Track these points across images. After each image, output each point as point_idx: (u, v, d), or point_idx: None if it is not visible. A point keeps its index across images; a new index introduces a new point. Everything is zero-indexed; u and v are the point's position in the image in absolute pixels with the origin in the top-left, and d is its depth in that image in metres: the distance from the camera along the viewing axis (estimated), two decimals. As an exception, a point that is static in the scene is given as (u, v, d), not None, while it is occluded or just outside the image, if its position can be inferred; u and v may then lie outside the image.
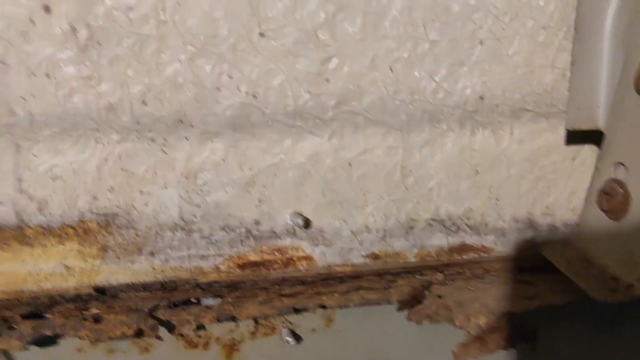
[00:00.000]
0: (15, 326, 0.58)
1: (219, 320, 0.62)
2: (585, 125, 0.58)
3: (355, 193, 0.60)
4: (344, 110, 0.56)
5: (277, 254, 0.61)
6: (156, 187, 0.56)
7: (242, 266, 0.61)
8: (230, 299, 0.62)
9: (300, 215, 0.59)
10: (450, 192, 0.62)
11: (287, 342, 0.65)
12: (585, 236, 0.61)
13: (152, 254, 0.58)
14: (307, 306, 0.63)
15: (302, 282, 0.63)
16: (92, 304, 0.60)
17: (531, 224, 0.66)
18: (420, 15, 0.54)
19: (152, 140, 0.54)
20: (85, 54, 0.49)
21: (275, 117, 0.55)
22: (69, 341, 0.62)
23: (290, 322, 0.66)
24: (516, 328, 0.62)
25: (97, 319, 0.60)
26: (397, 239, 0.64)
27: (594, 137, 0.61)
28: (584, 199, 0.63)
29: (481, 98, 0.59)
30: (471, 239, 0.65)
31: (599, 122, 0.57)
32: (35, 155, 0.53)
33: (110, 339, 0.59)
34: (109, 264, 0.58)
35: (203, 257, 0.60)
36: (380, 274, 0.64)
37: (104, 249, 0.57)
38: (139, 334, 0.60)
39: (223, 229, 0.59)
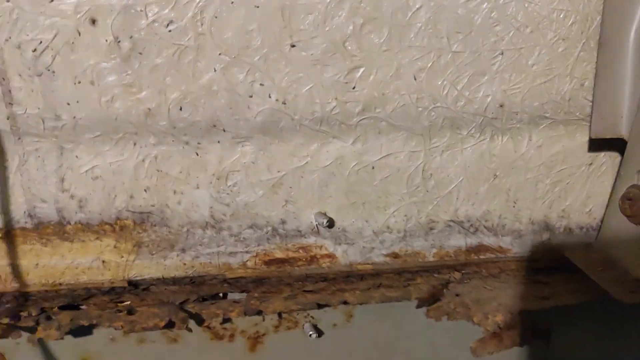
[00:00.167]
0: (53, 316, 0.63)
1: (245, 314, 0.67)
2: (609, 134, 0.63)
3: (378, 195, 0.65)
4: (368, 117, 0.61)
5: (301, 251, 0.66)
6: (189, 187, 0.61)
7: (268, 263, 0.66)
8: (256, 294, 0.67)
9: (325, 215, 0.64)
10: (470, 194, 0.67)
11: (309, 335, 0.70)
12: (608, 240, 0.66)
13: (183, 250, 0.63)
14: (330, 302, 0.68)
15: (325, 279, 0.67)
16: (126, 297, 0.65)
17: (547, 227, 0.70)
18: (444, 27, 0.58)
19: (187, 143, 0.59)
20: (128, 63, 0.54)
21: (303, 122, 0.60)
22: (103, 331, 0.67)
23: (312, 317, 0.71)
24: (531, 326, 0.67)
25: (130, 311, 0.65)
26: (416, 239, 0.68)
27: (614, 145, 0.65)
28: (600, 202, 0.68)
29: (501, 106, 0.63)
30: (488, 240, 0.70)
31: (622, 130, 0.61)
32: (77, 157, 0.58)
33: (144, 329, 0.64)
34: (142, 259, 0.63)
35: (231, 254, 0.65)
36: (399, 273, 0.69)
37: (139, 245, 0.62)
38: (170, 325, 0.65)
39: (251, 227, 0.64)
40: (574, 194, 0.69)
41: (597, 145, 0.66)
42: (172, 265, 0.64)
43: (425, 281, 0.70)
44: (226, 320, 0.70)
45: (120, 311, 0.65)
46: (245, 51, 0.56)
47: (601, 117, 0.61)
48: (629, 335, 0.75)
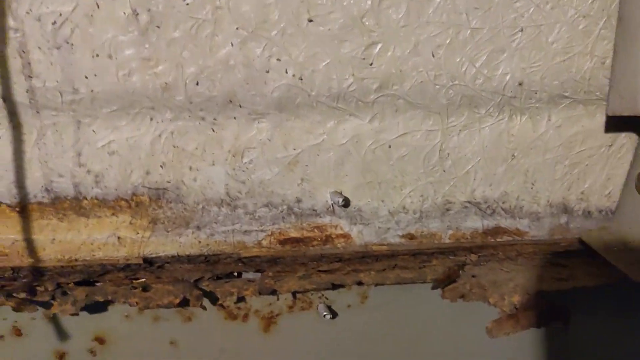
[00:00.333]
0: (68, 292, 0.65)
1: (260, 293, 0.68)
2: (626, 112, 0.63)
3: (394, 174, 0.66)
4: (385, 94, 0.62)
5: (316, 231, 0.67)
6: (205, 163, 0.62)
7: (282, 242, 0.67)
8: (270, 273, 0.68)
9: (340, 194, 0.65)
10: (487, 175, 0.67)
11: (324, 316, 0.71)
12: (624, 220, 0.67)
13: (198, 228, 0.65)
14: (345, 282, 0.69)
15: (340, 259, 0.68)
16: (141, 274, 0.66)
17: (566, 209, 0.71)
18: (463, 3, 0.59)
19: (203, 119, 0.60)
20: (145, 36, 0.56)
21: (320, 99, 0.61)
22: (117, 308, 0.69)
23: (326, 298, 0.72)
24: (549, 308, 0.68)
25: (145, 288, 0.66)
26: (432, 220, 0.69)
27: (633, 123, 0.66)
28: (619, 185, 0.68)
29: (520, 84, 0.63)
30: (506, 222, 0.70)
31: (640, 108, 0.62)
32: (94, 131, 0.59)
33: (158, 306, 0.66)
34: (157, 236, 0.64)
35: (246, 232, 0.66)
36: (415, 254, 0.70)
37: (154, 221, 0.64)
38: (185, 303, 0.66)
39: (266, 205, 0.65)
40: (594, 176, 0.69)
41: (616, 125, 0.66)
42: (187, 242, 0.65)
43: (441, 263, 0.71)
44: (240, 299, 0.71)
45: (135, 288, 0.66)
46: (263, 25, 0.57)
47: (619, 95, 0.62)
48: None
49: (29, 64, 0.55)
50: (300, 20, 0.57)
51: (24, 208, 0.61)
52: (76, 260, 0.64)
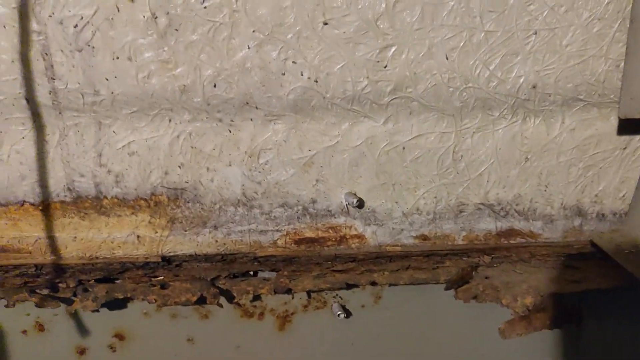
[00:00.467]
0: (89, 289, 0.65)
1: (275, 292, 0.67)
2: (638, 114, 0.62)
3: (408, 176, 0.65)
4: (399, 96, 0.61)
5: (331, 231, 0.67)
6: (222, 164, 0.62)
7: (298, 242, 0.66)
8: (286, 273, 0.68)
9: (355, 195, 0.64)
10: (500, 177, 0.66)
11: (338, 315, 0.70)
12: (635, 223, 0.65)
13: (215, 227, 0.64)
14: (359, 282, 0.68)
15: (354, 259, 0.68)
16: (159, 272, 0.66)
17: (579, 212, 0.69)
18: (477, 6, 0.58)
19: (220, 120, 0.60)
20: (164, 39, 0.56)
21: (335, 101, 0.60)
22: (136, 306, 0.69)
23: (340, 297, 0.72)
24: (561, 309, 0.66)
25: (164, 286, 0.66)
26: (446, 221, 0.68)
27: (645, 127, 0.65)
28: (633, 187, 0.67)
29: (534, 87, 0.62)
30: (519, 224, 0.69)
31: (653, 111, 0.61)
32: (114, 132, 0.59)
33: (176, 304, 0.66)
34: (176, 235, 0.64)
35: (262, 232, 0.66)
36: (428, 255, 0.69)
37: (172, 221, 0.64)
38: (202, 301, 0.66)
39: (282, 206, 0.64)
40: (607, 179, 0.68)
41: (630, 127, 0.65)
42: (204, 242, 0.65)
43: (454, 264, 0.70)
44: (256, 297, 0.71)
45: (153, 285, 0.67)
46: (279, 29, 0.57)
47: (630, 97, 0.61)
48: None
49: (52, 66, 0.55)
50: (316, 24, 0.57)
51: (46, 207, 0.62)
52: (97, 258, 0.64)
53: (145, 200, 0.62)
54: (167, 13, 0.55)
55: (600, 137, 0.65)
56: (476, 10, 0.59)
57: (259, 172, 0.63)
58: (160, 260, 0.64)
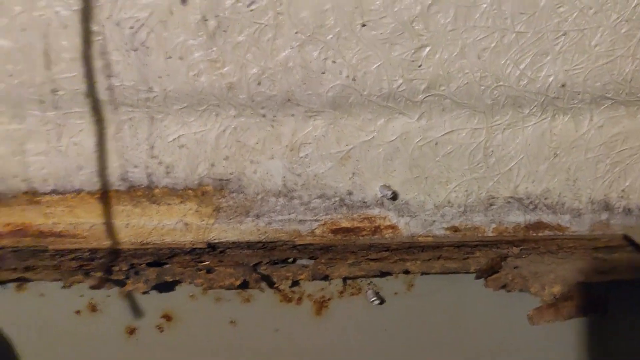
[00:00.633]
0: (141, 272, 0.68)
1: (313, 278, 0.69)
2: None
3: (440, 170, 0.66)
4: (433, 94, 0.62)
5: (366, 222, 0.68)
6: (264, 157, 0.64)
7: (334, 231, 0.68)
8: (323, 260, 0.70)
9: (389, 188, 0.66)
10: (530, 172, 0.67)
11: (372, 302, 0.72)
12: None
13: (257, 216, 0.67)
14: (392, 270, 0.70)
15: (388, 248, 0.69)
16: (205, 257, 0.69)
17: (607, 206, 0.70)
18: (508, 8, 0.59)
19: (263, 116, 0.62)
20: (213, 40, 0.58)
21: (371, 98, 0.62)
22: (184, 289, 0.72)
23: (374, 285, 0.73)
24: (589, 298, 0.67)
25: (209, 270, 0.69)
26: (476, 214, 0.69)
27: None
28: (660, 184, 0.67)
29: (563, 85, 0.63)
30: (547, 218, 0.70)
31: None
32: (166, 126, 0.62)
33: (220, 287, 0.68)
34: (220, 223, 0.66)
35: (301, 222, 0.68)
36: (458, 246, 0.70)
37: (218, 210, 0.66)
38: (245, 285, 0.68)
39: (320, 197, 0.66)
40: (634, 175, 0.68)
41: (658, 125, 0.65)
42: (247, 230, 0.67)
43: (483, 255, 0.71)
44: (295, 283, 0.72)
45: (200, 270, 0.69)
46: (320, 30, 0.58)
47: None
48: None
49: (109, 64, 0.58)
50: (354, 25, 0.59)
51: (102, 195, 0.64)
52: (147, 243, 0.66)
53: (193, 190, 0.65)
54: (216, 16, 0.57)
55: (628, 135, 0.66)
56: (507, 12, 0.60)
57: (299, 165, 0.64)
58: (205, 246, 0.66)
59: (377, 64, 0.60)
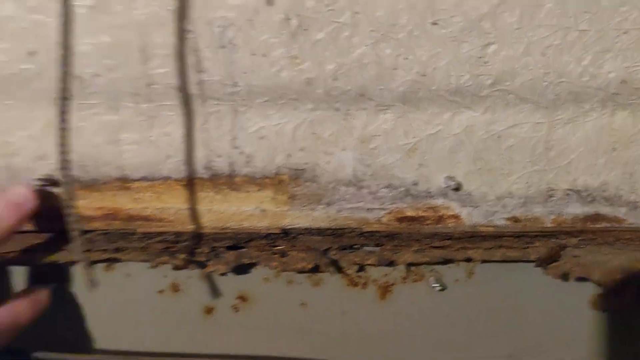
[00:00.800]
0: (221, 255, 0.71)
1: (379, 263, 0.71)
2: None
3: (502, 162, 0.67)
4: (498, 89, 0.64)
5: (430, 211, 0.70)
6: (337, 149, 0.66)
7: (400, 220, 0.70)
8: (388, 247, 0.72)
9: (453, 179, 0.67)
10: (588, 165, 0.68)
11: (434, 288, 0.73)
12: None
13: (328, 204, 0.69)
14: (455, 258, 0.71)
15: (450, 237, 0.71)
16: (279, 242, 0.71)
17: (663, 199, 0.70)
18: (572, 7, 0.60)
19: (337, 109, 0.64)
20: (294, 38, 0.61)
21: (439, 93, 0.64)
22: (258, 271, 0.74)
23: (436, 272, 0.75)
24: (646, 287, 0.67)
25: (283, 254, 0.71)
26: (536, 205, 0.70)
27: None
28: None
29: (623, 82, 0.64)
30: (605, 210, 0.70)
31: None
32: (248, 119, 0.65)
33: (293, 270, 0.70)
34: (294, 210, 0.69)
35: (369, 210, 0.70)
36: (518, 236, 0.71)
37: (292, 197, 0.68)
38: (316, 269, 0.71)
39: (387, 187, 0.68)
40: (692, 169, 0.68)
41: None
42: (318, 217, 0.69)
43: (543, 245, 0.72)
44: (361, 269, 0.74)
45: (274, 254, 0.71)
46: (393, 28, 0.60)
47: None
48: None
49: (200, 60, 0.61)
50: (425, 24, 0.61)
51: (187, 182, 0.67)
52: (227, 228, 0.69)
53: (270, 178, 0.67)
54: (298, 15, 0.59)
55: (686, 129, 0.66)
56: (571, 11, 0.61)
57: (369, 156, 0.67)
58: (280, 232, 0.69)
59: (446, 61, 0.62)
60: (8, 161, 0.65)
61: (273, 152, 0.66)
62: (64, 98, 0.50)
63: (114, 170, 0.67)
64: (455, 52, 0.62)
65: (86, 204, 0.68)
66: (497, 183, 0.68)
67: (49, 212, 0.65)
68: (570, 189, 0.69)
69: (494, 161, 0.67)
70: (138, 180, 0.67)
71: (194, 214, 0.69)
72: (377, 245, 0.72)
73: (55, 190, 0.66)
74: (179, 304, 0.76)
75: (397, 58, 0.62)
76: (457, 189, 0.68)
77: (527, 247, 0.71)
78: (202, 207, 0.69)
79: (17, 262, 0.69)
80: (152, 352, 0.76)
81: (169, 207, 0.69)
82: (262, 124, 0.65)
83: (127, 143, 0.65)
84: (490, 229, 0.70)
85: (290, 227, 0.70)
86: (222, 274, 0.73)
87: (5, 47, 0.60)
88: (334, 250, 0.71)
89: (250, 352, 0.77)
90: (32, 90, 0.62)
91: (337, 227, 0.70)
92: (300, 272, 0.72)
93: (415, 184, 0.68)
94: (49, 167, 0.66)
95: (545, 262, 0.70)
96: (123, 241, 0.70)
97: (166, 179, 0.68)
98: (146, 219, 0.69)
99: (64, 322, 0.76)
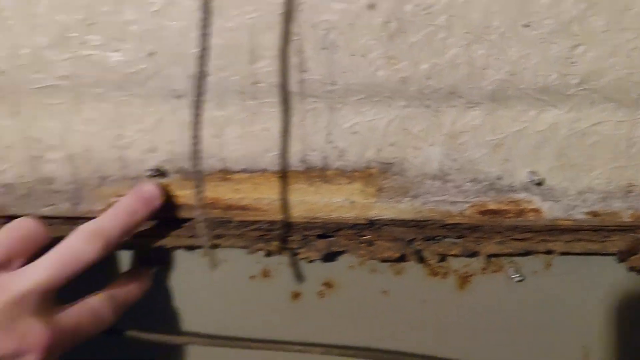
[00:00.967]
0: (312, 243, 0.75)
1: (463, 254, 0.74)
2: None
3: (584, 159, 0.70)
4: (583, 88, 0.66)
5: (512, 205, 0.72)
6: (425, 144, 0.69)
7: (482, 213, 0.73)
8: (471, 239, 0.75)
9: (536, 174, 0.70)
10: (669, 162, 0.70)
11: (514, 278, 0.76)
12: None
13: (414, 197, 0.72)
14: (536, 249, 0.74)
15: (530, 230, 0.73)
16: (366, 232, 0.75)
17: None
18: (660, 10, 0.62)
19: (428, 107, 0.68)
20: (392, 40, 0.64)
21: (526, 91, 0.66)
22: (344, 260, 0.78)
23: (515, 263, 0.77)
24: None
25: (370, 243, 0.75)
26: (615, 200, 0.72)
27: None
28: None
29: None
30: (683, 206, 0.72)
31: None
32: (343, 115, 0.68)
33: (380, 259, 0.74)
34: (381, 202, 0.72)
35: (452, 203, 0.73)
36: (597, 230, 0.73)
37: (380, 190, 0.72)
38: (402, 258, 0.74)
39: (472, 181, 0.71)
40: None
41: None
42: (404, 209, 0.72)
43: (621, 238, 0.74)
44: (442, 259, 0.77)
45: (362, 243, 0.75)
46: (486, 30, 0.63)
47: None
48: None
49: (303, 61, 0.65)
50: (517, 26, 0.63)
51: (283, 175, 0.71)
52: (317, 218, 0.73)
53: (360, 172, 0.71)
54: (398, 19, 0.63)
55: None
56: (658, 14, 0.63)
57: (456, 151, 0.70)
58: (366, 222, 0.72)
59: (535, 61, 0.65)
60: (122, 153, 0.70)
61: (364, 147, 0.70)
62: (199, 94, 0.54)
63: (217, 163, 0.71)
64: (544, 53, 0.64)
65: (190, 194, 0.72)
66: (579, 178, 0.71)
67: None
68: (649, 185, 0.71)
69: (577, 157, 0.69)
70: (238, 172, 0.72)
71: (287, 205, 0.73)
72: (458, 237, 0.75)
73: (162, 181, 0.71)
74: (269, 289, 0.80)
75: (488, 58, 0.65)
76: (540, 183, 0.70)
77: (605, 241, 0.73)
78: (295, 198, 0.73)
79: (126, 246, 0.74)
80: (242, 338, 0.80)
81: (264, 198, 0.73)
82: (356, 120, 0.69)
83: (231, 137, 0.70)
84: (570, 222, 0.73)
85: (376, 218, 0.73)
86: (311, 261, 0.77)
87: (128, 47, 0.65)
88: (418, 240, 0.75)
89: (333, 337, 0.81)
90: (147, 87, 0.67)
91: (421, 219, 0.73)
92: (386, 260, 0.75)
93: (500, 178, 0.71)
94: (158, 159, 0.71)
95: (625, 254, 0.72)
96: (221, 229, 0.74)
97: (264, 171, 0.72)
98: (243, 208, 0.73)
99: (157, 304, 0.81)
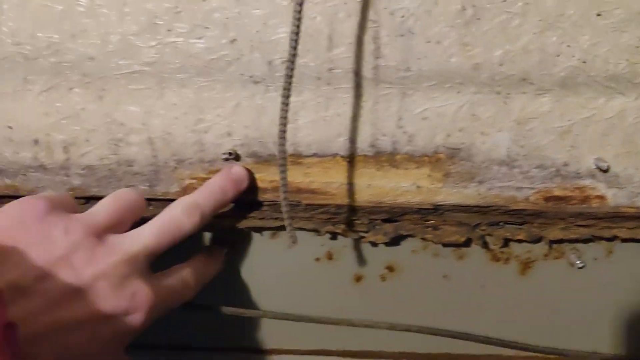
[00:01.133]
0: (378, 226, 0.76)
1: (528, 239, 0.75)
2: None
3: (650, 146, 0.70)
4: (653, 76, 0.67)
5: (577, 191, 0.73)
6: (493, 130, 0.70)
7: (547, 199, 0.74)
8: (535, 224, 0.75)
9: (603, 161, 0.71)
10: None
11: (577, 265, 0.77)
12: None
13: (480, 182, 0.73)
14: (601, 235, 0.74)
15: (594, 217, 0.74)
16: (430, 217, 0.76)
17: None
18: None
19: (498, 93, 0.69)
20: (467, 26, 0.65)
21: (596, 79, 0.67)
22: (407, 244, 0.79)
23: (577, 250, 0.78)
24: None
25: (435, 227, 0.76)
26: (680, 188, 0.72)
27: None
28: None
29: None
30: None
31: None
32: (414, 101, 0.70)
33: (446, 243, 0.75)
34: (447, 187, 0.74)
35: (518, 189, 0.74)
36: (657, 217, 0.74)
37: (447, 175, 0.73)
38: (467, 242, 0.75)
39: (538, 167, 0.72)
40: None
41: None
42: (469, 194, 0.74)
43: (684, 226, 0.74)
44: (505, 244, 0.78)
45: (427, 227, 0.76)
46: (559, 18, 0.64)
47: None
48: None
49: (379, 47, 0.67)
50: (590, 14, 0.64)
51: (352, 159, 0.73)
52: (383, 202, 0.74)
53: (428, 157, 0.72)
54: (474, 6, 0.64)
55: None
56: None
57: (523, 137, 0.71)
58: (432, 207, 0.74)
59: (606, 49, 0.66)
60: (200, 137, 0.72)
61: (433, 132, 0.71)
62: (289, 76, 0.56)
63: (289, 147, 0.73)
64: (615, 41, 0.65)
65: (262, 177, 0.74)
66: (644, 166, 0.71)
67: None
68: None
69: (643, 144, 0.70)
70: (310, 156, 0.73)
71: (355, 189, 0.74)
72: (521, 223, 0.76)
73: (237, 164, 0.73)
74: (333, 271, 0.82)
75: (560, 45, 0.66)
76: (606, 170, 0.71)
77: (669, 228, 0.74)
78: (363, 182, 0.74)
79: (206, 228, 0.76)
80: (307, 316, 0.82)
81: (333, 182, 0.74)
82: (426, 105, 0.70)
83: (304, 122, 0.72)
84: (633, 209, 0.73)
85: (441, 203, 0.74)
86: (375, 245, 0.78)
87: (212, 34, 0.67)
88: (483, 225, 0.76)
89: (393, 319, 0.82)
90: (228, 73, 0.69)
91: (485, 205, 0.75)
92: (451, 245, 0.76)
93: (566, 164, 0.72)
94: (233, 143, 0.73)
95: (689, 241, 0.72)
96: (291, 212, 0.76)
97: (334, 155, 0.73)
98: (312, 192, 0.75)
99: (226, 283, 0.83)
